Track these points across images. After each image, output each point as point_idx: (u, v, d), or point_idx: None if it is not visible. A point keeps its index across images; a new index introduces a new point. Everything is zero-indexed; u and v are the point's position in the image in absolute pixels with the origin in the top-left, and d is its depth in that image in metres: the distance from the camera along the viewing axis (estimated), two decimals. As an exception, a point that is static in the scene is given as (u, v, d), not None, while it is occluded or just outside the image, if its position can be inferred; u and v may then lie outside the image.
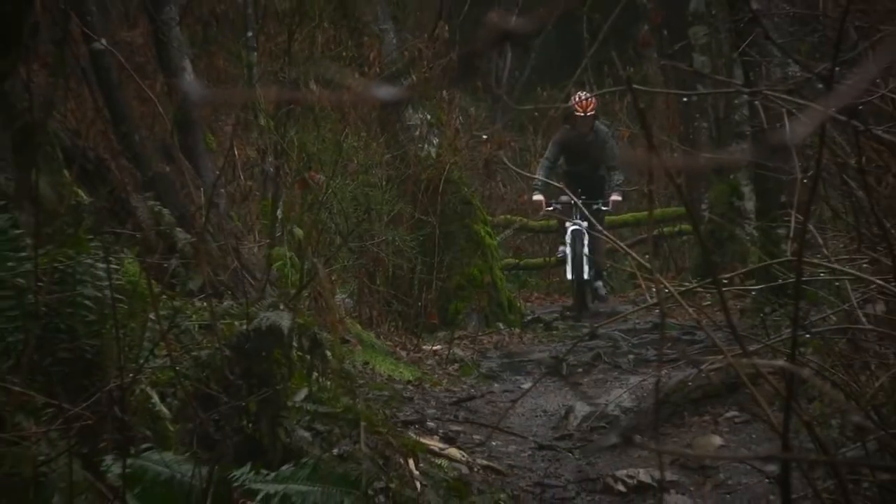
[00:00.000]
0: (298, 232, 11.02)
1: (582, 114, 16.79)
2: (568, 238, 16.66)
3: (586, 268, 16.65)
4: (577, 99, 16.94)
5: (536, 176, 17.20)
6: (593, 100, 16.85)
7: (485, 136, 18.58)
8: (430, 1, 16.97)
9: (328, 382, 8.61)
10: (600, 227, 14.75)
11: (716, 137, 18.39)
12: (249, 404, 7.07)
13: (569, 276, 16.89)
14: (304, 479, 6.85)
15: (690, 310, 4.38)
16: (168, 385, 7.14)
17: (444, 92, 15.09)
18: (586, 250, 16.58)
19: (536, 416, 10.19)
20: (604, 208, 16.71)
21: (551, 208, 17.02)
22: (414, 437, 8.98)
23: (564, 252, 16.93)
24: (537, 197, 17.01)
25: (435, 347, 12.94)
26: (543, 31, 19.87)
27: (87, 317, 6.71)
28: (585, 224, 16.34)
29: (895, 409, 4.91)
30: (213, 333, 7.76)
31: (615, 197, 16.93)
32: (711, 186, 17.41)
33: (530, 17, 1.42)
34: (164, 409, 6.90)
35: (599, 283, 17.53)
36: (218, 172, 10.82)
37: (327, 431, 7.99)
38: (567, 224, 16.68)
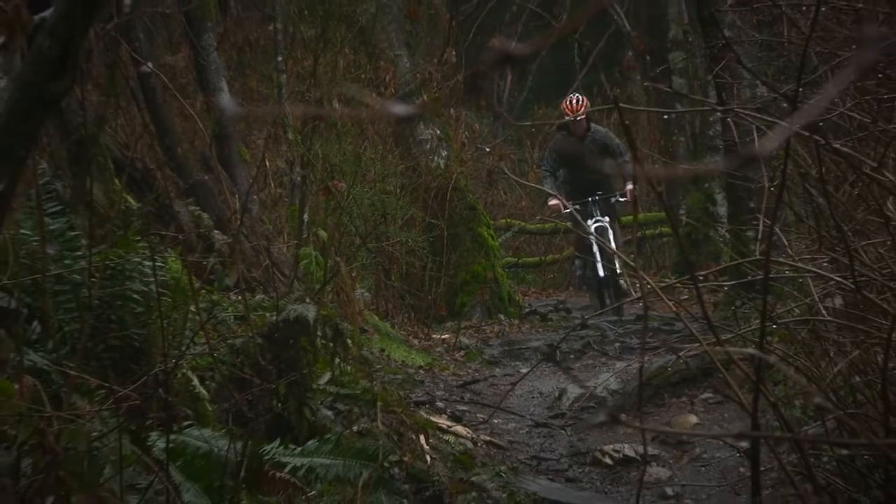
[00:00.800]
0: (322, 234, 11.01)
1: (572, 116, 15.02)
2: (593, 237, 15.06)
3: (617, 264, 14.63)
4: (567, 103, 15.23)
5: (545, 187, 15.35)
6: (584, 101, 15.13)
7: (487, 149, 18.57)
8: (440, 30, 16.92)
9: (348, 367, 8.60)
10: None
11: (692, 150, 18.37)
12: (279, 387, 7.07)
13: (599, 272, 14.89)
14: (327, 453, 6.84)
15: (670, 303, 4.37)
16: (207, 369, 7.14)
17: (452, 110, 15.08)
18: (614, 245, 14.82)
19: (533, 398, 10.18)
20: (622, 199, 15.12)
21: (567, 211, 14.49)
22: (425, 415, 8.97)
23: (581, 263, 15.56)
24: (553, 202, 15.19)
25: (443, 336, 12.93)
26: (539, 55, 19.84)
27: (135, 309, 6.71)
28: (607, 219, 14.96)
29: (852, 392, 4.89)
30: (246, 324, 7.75)
31: (630, 186, 14.81)
32: (688, 193, 17.37)
33: (528, 43, 1.42)
34: (203, 391, 6.90)
35: (622, 280, 15.45)
36: (251, 181, 10.81)
37: (348, 411, 7.98)
38: (589, 221, 14.79)
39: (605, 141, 15.23)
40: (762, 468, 3.81)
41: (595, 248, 14.75)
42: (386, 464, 7.22)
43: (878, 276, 4.17)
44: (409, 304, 13.86)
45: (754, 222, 7.52)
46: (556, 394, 10.15)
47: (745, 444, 6.23)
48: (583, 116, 14.96)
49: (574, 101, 15.18)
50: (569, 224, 15.93)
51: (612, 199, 15.07)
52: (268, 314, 7.73)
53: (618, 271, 14.66)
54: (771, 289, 3.88)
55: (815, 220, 5.18)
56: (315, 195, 11.78)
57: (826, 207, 4.48)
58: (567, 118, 14.94)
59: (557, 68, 25.31)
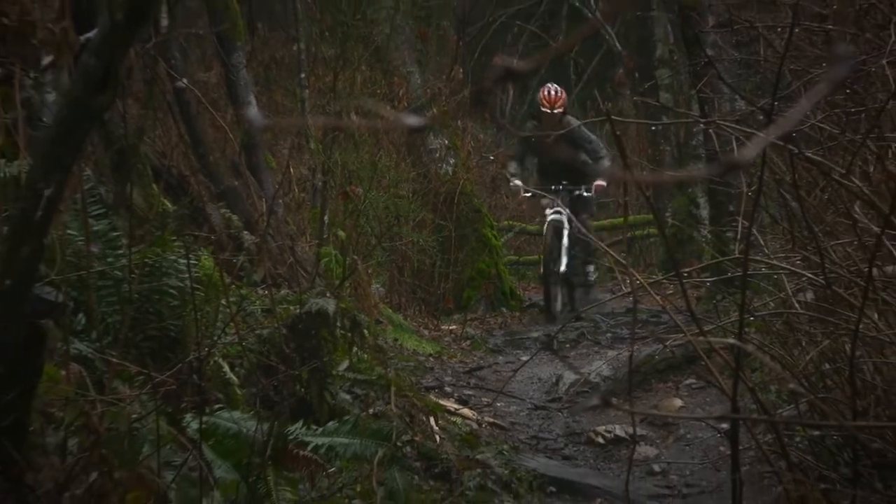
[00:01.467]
0: (341, 234, 11.01)
1: (549, 110, 13.21)
2: (546, 228, 13.37)
3: (563, 260, 13.25)
4: (544, 93, 13.41)
5: (509, 169, 13.87)
6: (562, 95, 13.39)
7: (491, 157, 18.51)
8: (448, 49, 16.91)
9: (365, 355, 8.60)
10: (585, 226, 11.95)
11: (677, 159, 18.33)
12: (302, 373, 7.06)
13: (542, 268, 13.53)
14: (346, 433, 6.84)
15: (657, 297, 4.37)
16: (236, 357, 7.13)
17: (459, 121, 15.06)
18: (566, 242, 13.28)
19: (532, 383, 10.17)
20: (586, 194, 13.28)
21: (530, 194, 13.63)
22: (434, 399, 8.96)
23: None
24: (515, 185, 13.50)
25: (451, 327, 12.92)
26: (538, 72, 19.82)
27: (171, 302, 6.71)
28: (567, 213, 13.06)
29: (822, 378, 4.88)
30: (272, 316, 7.75)
31: (600, 182, 13.36)
32: (674, 198, 17.34)
33: (528, 61, 1.41)
34: (233, 377, 6.90)
35: (591, 269, 14.18)
36: (276, 186, 10.81)
37: (364, 395, 7.98)
38: (546, 212, 13.42)
39: (577, 136, 13.38)
40: (741, 447, 3.81)
41: (549, 240, 13.29)
42: (399, 443, 7.22)
43: (846, 272, 4.16)
44: (420, 298, 13.85)
45: (734, 224, 7.52)
46: (553, 380, 10.14)
47: (725, 426, 6.22)
48: (560, 110, 13.24)
49: (551, 93, 13.38)
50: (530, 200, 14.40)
51: (577, 192, 13.37)
52: (292, 307, 7.73)
53: (561, 269, 13.29)
54: (749, 284, 3.87)
55: (788, 221, 5.17)
56: (335, 199, 11.77)
57: (799, 210, 4.47)
58: (543, 109, 13.25)
59: (555, 83, 25.25)
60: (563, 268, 13.25)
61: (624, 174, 5.27)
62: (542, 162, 13.86)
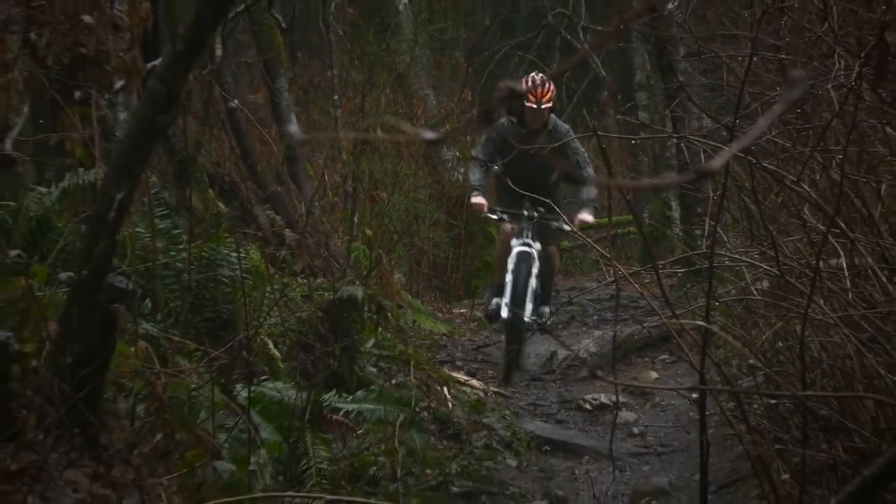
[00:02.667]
0: (368, 232, 11.00)
1: (535, 105, 9.08)
2: (511, 263, 9.29)
3: (529, 307, 9.23)
4: (528, 83, 9.18)
5: (470, 176, 9.74)
6: (551, 86, 9.25)
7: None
8: (458, 75, 16.87)
9: (388, 334, 8.60)
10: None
11: (653, 168, 18.28)
12: (335, 349, 7.06)
13: (503, 313, 9.27)
14: (372, 400, 6.85)
15: (636, 285, 4.36)
16: (279, 336, 7.14)
17: (468, 136, 15.04)
18: (533, 282, 9.27)
19: (530, 358, 10.15)
20: (566, 228, 8.22)
21: (494, 216, 9.55)
22: (447, 372, 8.96)
23: (497, 302, 9.45)
24: (477, 199, 9.41)
25: (461, 311, 12.90)
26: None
27: (224, 289, 6.72)
28: (538, 246, 9.34)
29: (776, 355, 4.87)
30: (310, 301, 7.76)
31: (585, 216, 9.24)
32: (650, 201, 17.30)
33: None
34: (276, 353, 6.90)
35: (546, 309, 9.80)
36: (313, 191, 10.81)
37: (388, 368, 7.98)
38: (512, 242, 9.37)
39: (565, 143, 9.34)
40: (707, 413, 3.79)
41: (508, 279, 9.29)
42: (417, 409, 7.22)
43: (797, 264, 4.15)
44: (435, 286, 13.83)
45: (701, 223, 7.51)
46: (548, 355, 10.12)
47: (694, 395, 6.21)
48: (548, 105, 9.20)
49: (538, 84, 9.18)
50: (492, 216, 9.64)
51: (554, 225, 9.28)
52: (326, 293, 7.73)
53: (525, 318, 9.12)
54: (714, 275, 3.86)
55: (748, 221, 5.16)
56: (363, 202, 11.76)
57: (756, 212, 4.46)
58: (528, 105, 9.12)
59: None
60: (527, 316, 9.17)
61: (609, 181, 5.27)
62: (511, 168, 8.94)
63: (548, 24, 20.36)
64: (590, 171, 9.94)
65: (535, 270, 9.26)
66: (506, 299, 9.17)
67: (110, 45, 4.60)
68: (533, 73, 9.76)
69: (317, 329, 7.04)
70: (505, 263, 9.36)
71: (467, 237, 14.17)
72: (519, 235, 9.38)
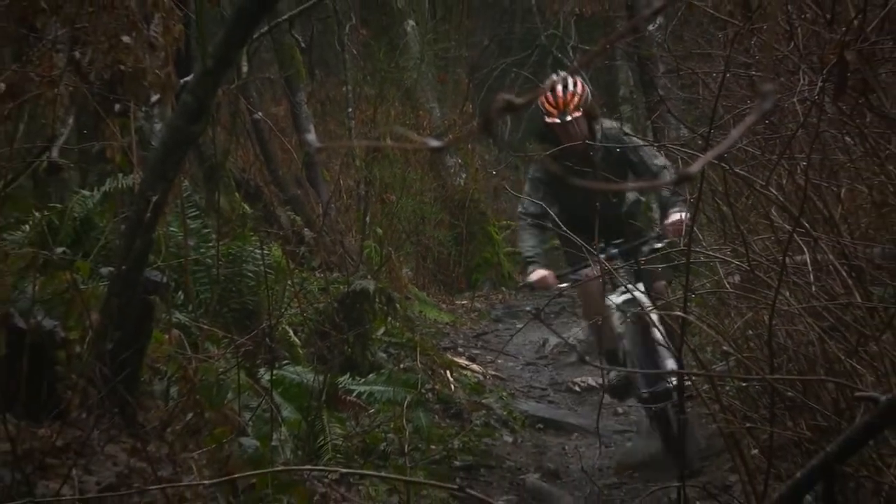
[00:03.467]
0: (379, 231, 11.00)
1: (558, 119, 5.89)
2: (621, 327, 5.97)
3: (668, 363, 5.64)
4: (549, 95, 5.94)
5: (520, 245, 6.31)
6: (581, 87, 6.03)
7: (494, 172, 18.45)
8: (461, 90, 16.86)
9: (397, 323, 8.60)
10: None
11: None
12: (349, 337, 7.07)
13: (642, 389, 5.99)
14: (382, 382, 6.85)
15: (620, 279, 4.36)
16: (299, 325, 7.15)
17: (469, 145, 15.04)
18: (658, 336, 5.40)
19: (525, 345, 10.16)
20: (658, 245, 5.69)
21: (567, 284, 6.09)
22: (449, 357, 8.96)
23: (617, 377, 6.32)
24: (536, 274, 5.97)
25: (463, 302, 12.90)
26: (531, 106, 19.74)
27: (249, 283, 6.73)
28: (641, 289, 5.73)
29: (746, 342, 4.86)
30: (326, 293, 7.76)
31: (676, 216, 5.76)
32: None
33: (523, 97, 1.41)
34: (296, 340, 6.91)
35: (670, 362, 5.62)
36: (330, 194, 10.82)
37: (396, 353, 7.98)
38: (612, 296, 5.80)
39: (622, 147, 6.13)
40: (685, 394, 3.80)
41: (629, 348, 5.98)
42: (423, 390, 7.22)
43: (765, 260, 4.15)
44: (439, 280, 13.82)
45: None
46: (541, 342, 10.12)
47: (673, 378, 6.21)
48: (579, 113, 5.96)
49: (561, 89, 5.97)
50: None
51: (645, 247, 5.86)
52: (341, 286, 7.73)
53: (669, 385, 5.67)
54: (691, 269, 3.86)
55: (721, 222, 5.15)
56: (374, 204, 11.76)
57: (729, 213, 4.45)
58: (551, 121, 5.98)
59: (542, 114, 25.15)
60: (666, 385, 5.77)
61: (596, 184, 5.26)
62: (569, 211, 5.94)
63: (541, 44, 20.31)
64: (660, 160, 6.11)
65: (654, 321, 5.43)
66: (642, 387, 6.00)
67: (147, 63, 4.60)
68: (554, 76, 6.56)
69: (332, 318, 7.05)
70: (610, 327, 6.03)
71: (468, 236, 14.18)
72: (615, 289, 5.87)
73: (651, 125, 11.66)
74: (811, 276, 3.77)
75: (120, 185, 6.25)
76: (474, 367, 9.04)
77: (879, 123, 3.73)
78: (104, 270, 5.37)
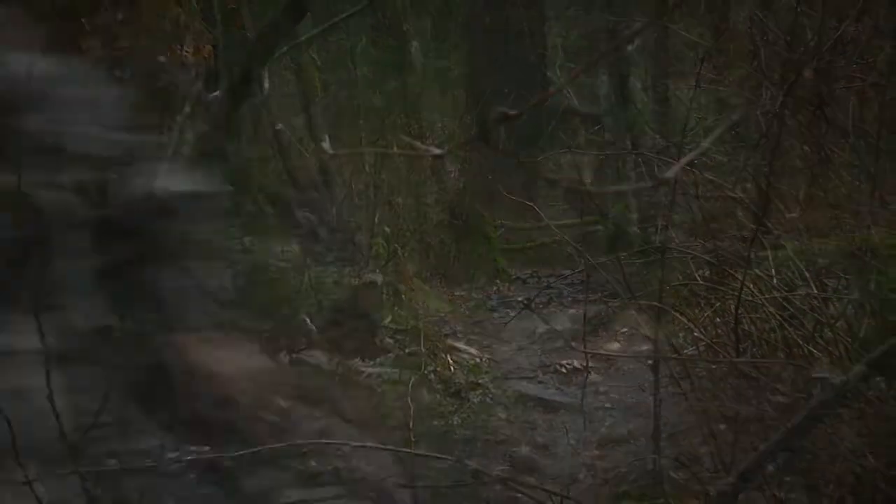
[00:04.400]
0: (387, 229, 11.00)
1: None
2: None
3: None
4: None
5: None
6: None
7: (490, 177, 18.41)
8: (459, 103, 16.81)
9: (402, 312, 8.59)
10: None
11: (616, 178, 18.23)
12: (359, 324, 7.07)
13: None
14: (390, 364, 6.86)
15: (603, 272, 4.37)
16: (315, 313, 7.15)
17: (467, 151, 15.01)
18: None
19: (517, 331, 10.15)
20: None
21: None
22: (450, 342, 8.95)
23: None
24: None
25: (461, 293, 12.88)
26: (523, 117, 19.71)
27: (271, 275, 6.73)
28: None
29: (715, 328, 4.87)
30: (339, 285, 7.77)
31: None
32: (614, 204, 17.26)
33: (516, 107, 1.42)
34: (313, 327, 6.91)
35: None
36: (342, 196, 10.82)
37: (402, 339, 7.98)
38: None
39: None
40: (660, 375, 3.80)
41: None
42: (426, 372, 7.23)
43: (731, 256, 4.15)
44: (440, 274, 13.78)
45: (656, 223, 7.50)
46: (531, 329, 10.12)
47: (650, 361, 6.21)
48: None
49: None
50: None
51: None
52: (353, 280, 7.74)
53: None
54: (665, 264, 3.87)
55: (693, 221, 5.16)
56: (382, 205, 11.75)
57: (699, 215, 4.46)
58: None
59: (535, 123, 25.14)
60: None
61: (582, 187, 5.29)
62: None
63: (532, 63, 20.27)
64: None
65: None
66: None
67: (179, 79, 4.61)
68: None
69: (345, 308, 7.05)
70: None
71: (467, 234, 14.16)
72: None
73: (630, 135, 11.68)
74: (773, 270, 3.78)
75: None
76: (472, 350, 9.04)
77: (834, 133, 3.75)
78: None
